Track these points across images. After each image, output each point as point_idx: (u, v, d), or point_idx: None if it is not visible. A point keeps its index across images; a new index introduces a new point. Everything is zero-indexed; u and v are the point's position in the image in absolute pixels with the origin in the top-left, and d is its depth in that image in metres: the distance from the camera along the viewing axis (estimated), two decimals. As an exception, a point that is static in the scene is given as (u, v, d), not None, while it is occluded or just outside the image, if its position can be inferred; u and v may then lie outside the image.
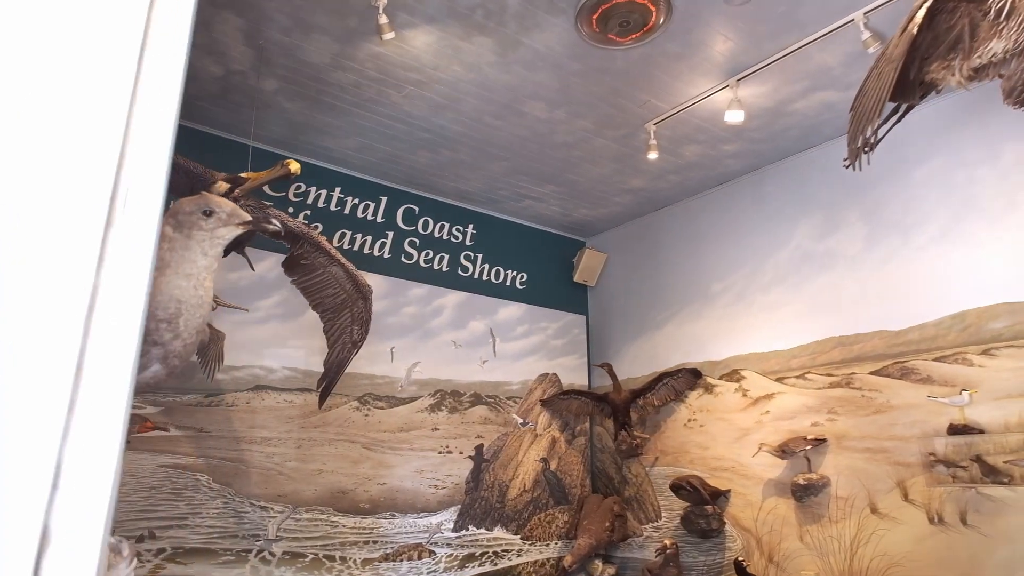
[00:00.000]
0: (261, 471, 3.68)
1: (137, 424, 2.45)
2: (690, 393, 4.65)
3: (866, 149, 2.25)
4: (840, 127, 4.02)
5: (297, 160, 4.27)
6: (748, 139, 4.17)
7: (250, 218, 1.13)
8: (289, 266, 3.12)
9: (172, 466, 3.42)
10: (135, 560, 1.04)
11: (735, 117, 3.59)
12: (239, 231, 1.12)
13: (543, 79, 3.57)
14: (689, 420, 4.62)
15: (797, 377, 4.03)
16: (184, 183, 2.91)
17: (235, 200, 2.72)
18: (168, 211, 1.07)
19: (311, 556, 3.72)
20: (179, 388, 3.53)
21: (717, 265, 4.69)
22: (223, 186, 2.72)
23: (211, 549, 3.43)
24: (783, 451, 3.84)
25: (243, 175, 2.81)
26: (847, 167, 2.48)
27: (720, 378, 4.49)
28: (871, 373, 3.69)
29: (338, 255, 3.05)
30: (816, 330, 4.01)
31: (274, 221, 1.14)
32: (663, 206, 5.15)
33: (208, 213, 1.07)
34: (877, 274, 3.79)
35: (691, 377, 4.61)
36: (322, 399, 3.17)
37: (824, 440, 3.76)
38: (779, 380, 4.13)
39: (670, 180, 4.73)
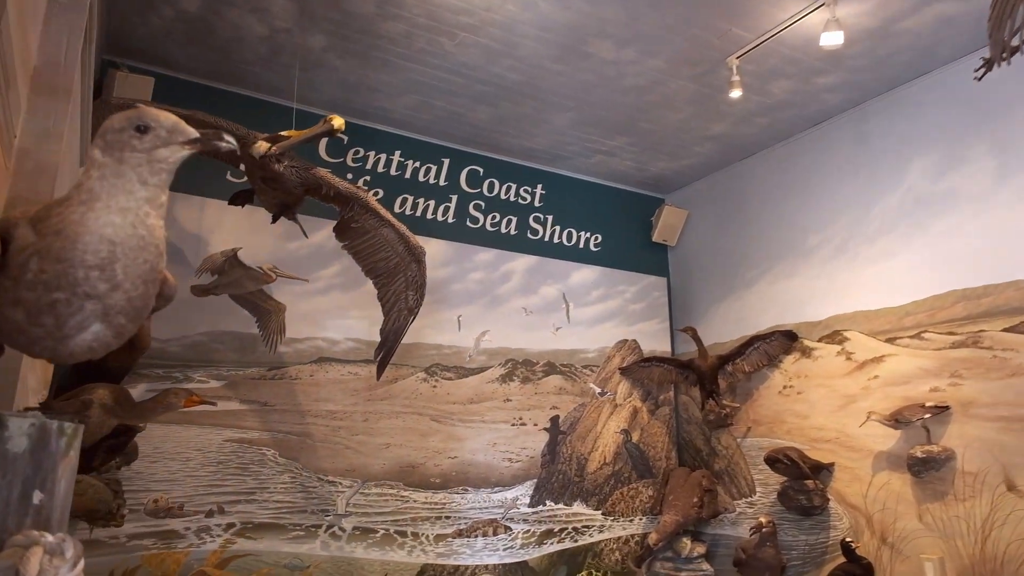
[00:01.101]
0: (327, 445, 3.58)
1: (183, 398, 2.34)
2: (785, 358, 4.22)
3: (1002, 55, 1.82)
4: (962, 46, 3.44)
5: (352, 122, 4.12)
6: (848, 68, 3.65)
7: (197, 135, 0.90)
8: (340, 230, 2.94)
9: (238, 440, 3.36)
10: (81, 562, 0.85)
11: (833, 40, 3.11)
12: (185, 151, 0.90)
13: (608, 13, 3.20)
14: (785, 387, 4.20)
15: (912, 337, 3.54)
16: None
17: (275, 160, 2.55)
18: (97, 131, 0.85)
19: (382, 531, 3.61)
20: (241, 362, 3.46)
21: (813, 216, 4.20)
22: (263, 145, 2.55)
23: (280, 524, 3.36)
24: (896, 420, 3.38)
25: (283, 133, 2.63)
26: (980, 77, 2.04)
27: (820, 340, 4.03)
28: (1004, 330, 3.17)
29: (389, 216, 2.84)
30: (934, 283, 3.49)
31: (227, 138, 0.90)
32: (750, 154, 4.66)
33: (142, 129, 0.85)
34: (1010, 215, 3.24)
35: (786, 340, 4.18)
36: (380, 370, 2.99)
37: (946, 408, 3.28)
38: (890, 341, 3.64)
39: (757, 123, 4.25)
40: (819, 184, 4.19)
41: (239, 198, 3.01)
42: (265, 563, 3.29)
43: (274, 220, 2.96)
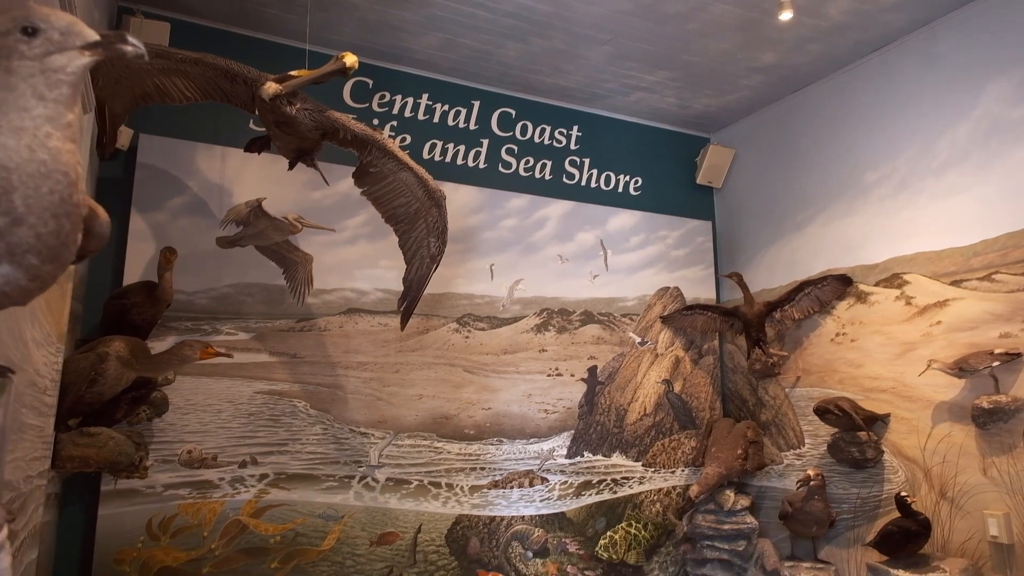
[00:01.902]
0: (359, 396, 3.54)
1: (198, 350, 2.30)
2: (838, 303, 3.96)
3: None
4: (1048, -53, 3.03)
5: (375, 64, 3.95)
6: (914, -20, 3.28)
7: (96, 37, 0.76)
8: (359, 176, 2.82)
9: (268, 392, 3.35)
10: (6, 527, 0.77)
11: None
12: (85, 59, 0.76)
13: (641, -72, 2.92)
14: (837, 335, 3.95)
15: (980, 279, 3.25)
16: (243, 91, 2.66)
17: (286, 102, 2.42)
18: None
19: (416, 482, 3.58)
20: (269, 314, 3.42)
21: (872, 150, 3.87)
22: (271, 86, 2.42)
23: (313, 475, 3.36)
24: (961, 368, 3.13)
25: (292, 73, 2.49)
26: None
27: (876, 284, 3.76)
28: (1088, 269, 2.86)
29: (407, 159, 2.69)
30: (1008, 219, 3.17)
31: (131, 41, 0.76)
32: (802, 86, 4.31)
33: (30, 32, 0.72)
34: (1099, 139, 2.88)
35: (839, 285, 3.91)
36: (404, 320, 2.90)
37: (1018, 355, 3.00)
38: (955, 284, 3.35)
39: (810, 50, 3.90)
40: (879, 116, 3.84)
41: (254, 145, 2.91)
42: (299, 513, 3.30)
43: (291, 167, 2.86)
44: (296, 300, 3.47)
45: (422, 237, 2.75)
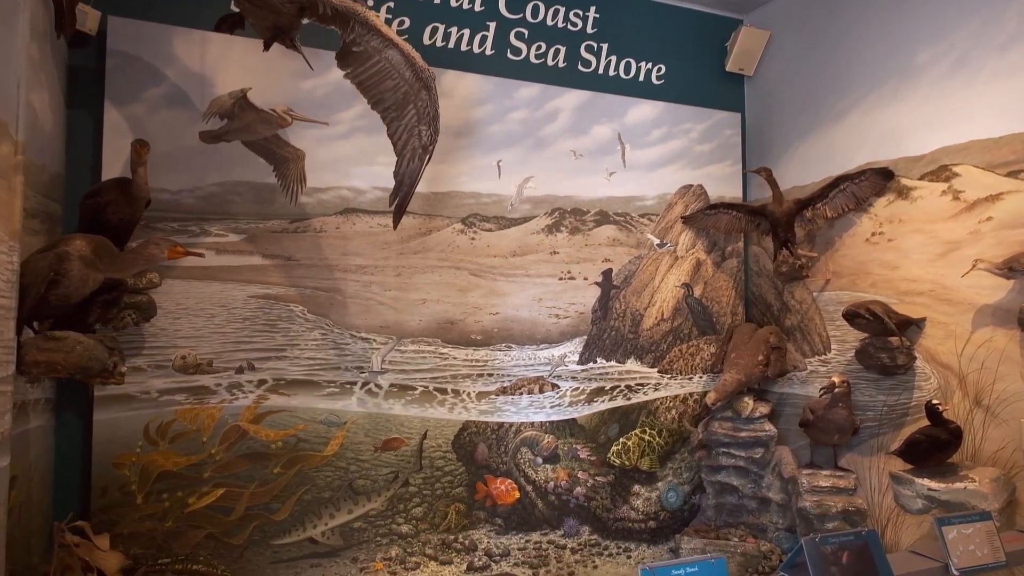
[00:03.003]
0: (359, 301, 3.38)
1: (165, 248, 2.13)
2: (876, 200, 3.63)
3: None
4: None
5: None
6: None
7: None
8: (343, 57, 2.54)
9: (263, 297, 3.20)
10: None
11: None
12: None
13: None
14: (873, 234, 3.65)
15: (1041, 168, 2.90)
16: None
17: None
18: None
19: (420, 389, 3.48)
20: (260, 214, 3.22)
21: (925, 27, 3.42)
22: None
23: (314, 381, 3.26)
24: (1010, 268, 2.84)
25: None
26: None
27: (921, 178, 3.42)
28: None
29: (393, 35, 2.39)
30: (1080, 99, 2.79)
31: None
32: (850, -49, 3.81)
33: None
34: None
35: (879, 179, 3.57)
36: (396, 218, 2.68)
37: (1077, 252, 2.71)
38: (1012, 175, 3.01)
39: (862, -94, 3.39)
40: (937, -16, 3.37)
41: (225, 23, 2.63)
42: (301, 419, 3.23)
43: (266, 47, 2.57)
44: (289, 199, 3.26)
45: (412, 125, 2.49)
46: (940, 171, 3.32)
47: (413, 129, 2.49)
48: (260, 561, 3.11)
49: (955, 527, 2.18)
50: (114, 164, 2.93)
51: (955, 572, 2.11)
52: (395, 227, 2.74)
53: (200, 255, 2.35)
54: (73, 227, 2.83)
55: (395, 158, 2.60)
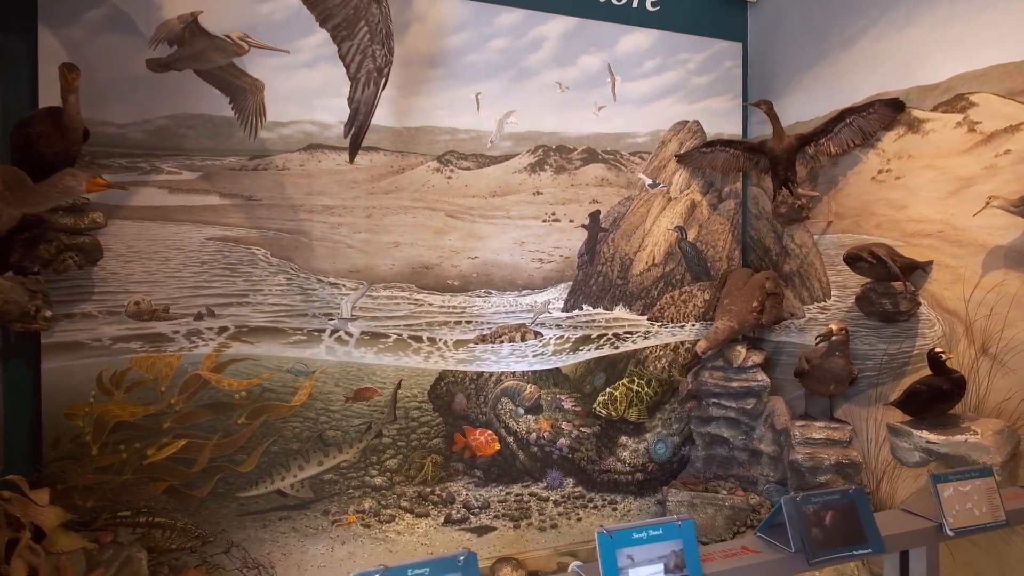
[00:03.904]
0: (326, 244, 3.18)
1: (83, 180, 1.93)
2: (884, 135, 3.36)
3: None
4: None
5: None
6: None
7: None
8: (288, -32, 2.27)
9: (222, 239, 3.01)
10: None
11: None
12: None
13: None
14: (880, 172, 3.39)
15: (1067, 95, 2.62)
16: None
17: None
18: None
19: (394, 336, 3.30)
20: (216, 150, 3.00)
21: (947, -62, 3.09)
22: None
23: (278, 328, 3.09)
24: (1028, 205, 2.60)
25: None
26: None
27: (934, 109, 3.14)
28: None
29: (339, -61, 2.12)
30: (1115, 14, 2.49)
31: None
32: None
33: None
34: None
35: (888, 111, 3.30)
36: (352, 150, 2.46)
37: (1103, 187, 2.46)
38: (1033, 102, 2.73)
39: None
40: None
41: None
42: (266, 368, 3.07)
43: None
44: (247, 134, 3.03)
45: (365, 45, 2.25)
46: (955, 101, 3.04)
47: (366, 50, 2.25)
48: (225, 514, 3.00)
49: (951, 484, 2.01)
50: (51, 94, 2.69)
51: (949, 532, 1.94)
52: (351, 160, 2.52)
53: (124, 188, 2.15)
54: (8, 162, 2.63)
55: (359, 87, 2.37)
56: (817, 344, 3.29)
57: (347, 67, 2.34)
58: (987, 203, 2.74)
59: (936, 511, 1.98)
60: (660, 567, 1.51)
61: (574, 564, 1.63)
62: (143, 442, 2.86)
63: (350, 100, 2.39)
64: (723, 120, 4.06)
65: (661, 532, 1.53)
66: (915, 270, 3.14)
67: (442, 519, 3.41)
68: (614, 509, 3.77)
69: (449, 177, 3.42)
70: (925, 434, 2.80)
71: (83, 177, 1.95)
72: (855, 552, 1.73)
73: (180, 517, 2.91)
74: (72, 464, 2.74)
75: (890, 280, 3.12)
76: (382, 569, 1.30)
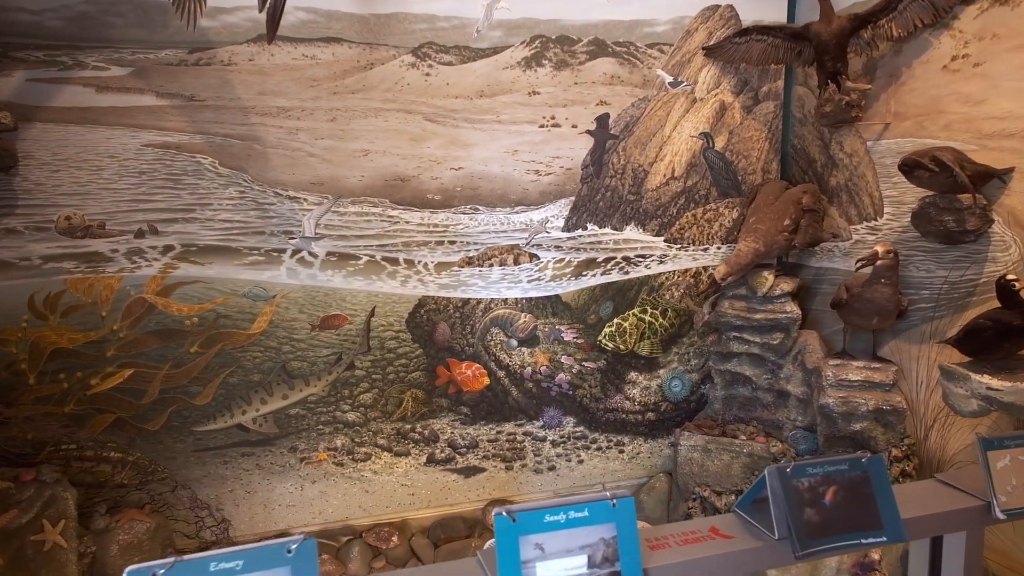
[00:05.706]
0: (283, 152, 2.80)
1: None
2: (963, 10, 2.69)
3: None
4: None
5: None
6: None
7: None
8: None
9: (161, 145, 2.65)
10: None
11: None
12: None
13: None
14: (954, 58, 2.74)
15: None
16: None
17: None
18: None
19: (365, 258, 2.94)
20: (149, 41, 2.60)
21: None
22: None
23: (232, 247, 2.76)
24: None
25: None
26: None
27: (1029, -29, 2.45)
28: None
29: None
30: None
31: None
32: None
33: None
34: None
35: (968, -21, 2.62)
36: (269, 28, 2.03)
37: None
38: None
39: None
40: None
41: None
42: (219, 292, 2.76)
43: None
44: (185, 22, 2.61)
45: None
46: (1059, -43, 2.35)
47: None
48: (182, 448, 2.78)
49: (1009, 451, 1.53)
50: (-49, -25, 2.34)
51: (999, 515, 1.48)
52: (269, 40, 2.09)
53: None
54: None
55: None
56: (859, 269, 2.76)
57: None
58: (1092, 87, 2.11)
59: (985, 486, 1.52)
60: (582, 559, 1.13)
61: (487, 545, 1.27)
62: (85, 371, 2.62)
63: (262, -38, 1.94)
64: (762, 4, 3.39)
65: (586, 514, 1.14)
66: (989, 179, 2.54)
67: (424, 458, 3.12)
68: (621, 451, 3.40)
69: (427, 74, 2.94)
70: (986, 378, 2.28)
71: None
72: (862, 541, 1.31)
73: (132, 452, 2.69)
74: (8, 394, 2.53)
75: (956, 192, 2.53)
76: (172, 563, 0.96)
